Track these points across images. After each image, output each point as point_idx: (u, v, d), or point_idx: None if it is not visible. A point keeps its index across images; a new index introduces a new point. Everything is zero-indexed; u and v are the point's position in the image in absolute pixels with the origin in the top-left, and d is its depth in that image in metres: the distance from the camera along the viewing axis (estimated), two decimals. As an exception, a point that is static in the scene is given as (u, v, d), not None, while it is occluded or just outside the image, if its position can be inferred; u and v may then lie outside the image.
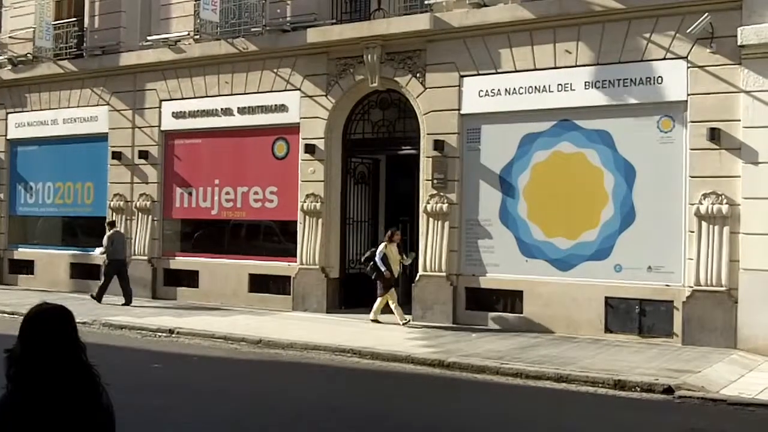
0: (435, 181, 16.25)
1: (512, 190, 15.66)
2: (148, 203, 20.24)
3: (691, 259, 13.78)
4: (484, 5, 15.82)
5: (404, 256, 16.21)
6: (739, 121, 13.53)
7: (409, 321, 15.82)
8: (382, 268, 15.65)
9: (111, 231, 19.25)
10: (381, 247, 15.90)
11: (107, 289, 18.97)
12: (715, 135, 13.60)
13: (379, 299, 16.03)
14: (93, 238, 21.52)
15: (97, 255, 19.68)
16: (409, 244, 17.52)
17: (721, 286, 13.49)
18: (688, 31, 13.64)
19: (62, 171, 22.34)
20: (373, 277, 15.88)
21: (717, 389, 10.65)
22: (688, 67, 13.96)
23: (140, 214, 20.38)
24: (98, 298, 18.90)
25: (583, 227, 14.78)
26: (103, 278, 19.25)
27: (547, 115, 15.29)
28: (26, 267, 22.77)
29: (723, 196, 13.55)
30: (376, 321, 16.02)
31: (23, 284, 22.57)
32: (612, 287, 14.48)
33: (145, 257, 20.24)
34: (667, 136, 14.21)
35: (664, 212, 14.16)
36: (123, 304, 18.59)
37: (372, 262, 15.81)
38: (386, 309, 16.08)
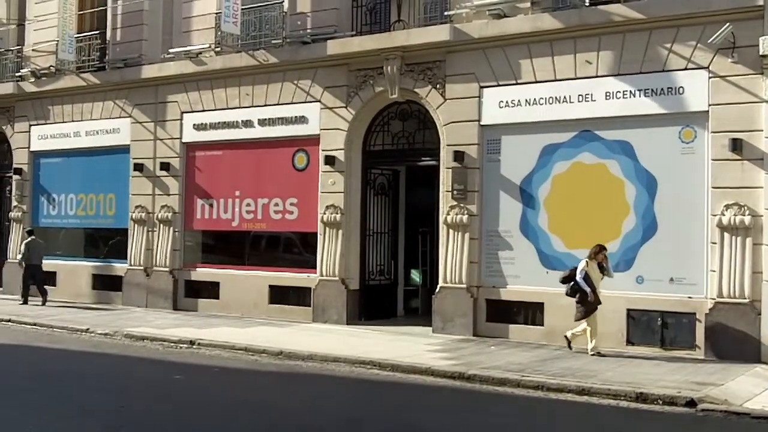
0: (455, 192, 16.23)
1: (533, 202, 15.60)
2: (170, 215, 20.33)
3: (714, 271, 13.67)
4: (504, 16, 15.81)
5: (606, 273, 14.05)
6: (762, 131, 13.42)
7: (603, 354, 13.75)
8: (587, 290, 13.77)
9: (29, 239, 21.30)
10: (582, 264, 13.95)
11: (29, 290, 21.30)
12: (737, 145, 13.51)
13: (579, 325, 14.11)
14: (115, 249, 21.70)
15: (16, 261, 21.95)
16: (430, 256, 17.50)
17: (744, 298, 13.37)
18: (710, 41, 13.57)
19: (84, 183, 22.50)
20: (576, 300, 13.93)
21: (740, 402, 10.53)
22: (709, 77, 13.88)
23: (162, 225, 20.47)
24: (24, 300, 21.13)
25: (605, 239, 14.66)
26: (21, 282, 21.54)
27: (568, 126, 15.24)
28: (49, 279, 22.85)
29: (745, 207, 13.45)
30: (569, 342, 14.27)
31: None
32: (634, 299, 14.38)
33: (167, 269, 20.32)
34: (689, 146, 14.12)
35: (686, 223, 14.06)
36: (41, 304, 20.75)
37: (572, 283, 13.96)
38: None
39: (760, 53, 13.36)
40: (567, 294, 14.01)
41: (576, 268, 13.97)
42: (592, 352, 13.72)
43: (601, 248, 13.94)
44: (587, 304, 13.81)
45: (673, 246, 14.13)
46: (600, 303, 13.84)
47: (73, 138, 22.60)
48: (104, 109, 21.83)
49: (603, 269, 13.96)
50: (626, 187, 14.68)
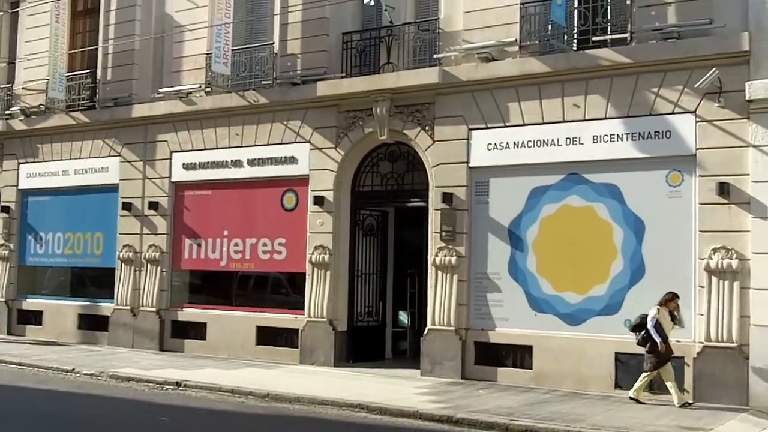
0: (443, 234, 16.23)
1: (521, 244, 15.61)
2: (157, 254, 20.24)
3: (702, 315, 13.67)
4: (492, 59, 15.93)
5: (677, 322, 13.41)
6: (748, 175, 13.51)
7: (690, 404, 13.14)
8: (657, 339, 13.09)
9: None
10: (653, 312, 13.25)
11: None
12: (724, 189, 13.57)
13: (644, 375, 13.40)
14: (102, 288, 21.57)
15: None
16: (418, 297, 17.46)
17: (732, 342, 13.35)
18: (696, 85, 13.69)
19: (72, 221, 22.41)
20: (646, 350, 13.27)
21: (729, 448, 10.49)
22: (696, 122, 13.98)
23: (149, 265, 20.37)
24: None
25: (593, 282, 14.71)
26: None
27: (556, 169, 15.30)
28: (34, 317, 22.74)
29: (733, 251, 13.48)
30: (636, 400, 13.41)
31: (31, 335, 22.52)
32: (622, 343, 14.31)
33: (153, 309, 20.19)
34: (676, 190, 14.19)
35: (674, 267, 14.07)
36: None
37: (643, 332, 13.27)
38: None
39: (747, 98, 13.48)
40: (638, 343, 13.33)
41: (646, 316, 13.31)
42: (680, 404, 12.97)
43: (674, 296, 13.37)
44: (658, 354, 13.14)
45: (661, 289, 14.05)
46: (672, 353, 13.24)
47: (62, 176, 22.55)
48: (93, 148, 21.82)
49: (674, 318, 13.37)
50: (614, 231, 14.70)
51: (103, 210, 21.56)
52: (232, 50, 18.85)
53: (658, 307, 13.31)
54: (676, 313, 13.41)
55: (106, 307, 21.24)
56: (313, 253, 17.79)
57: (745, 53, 13.59)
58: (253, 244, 19.04)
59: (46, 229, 23.10)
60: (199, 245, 19.92)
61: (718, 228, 13.64)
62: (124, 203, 20.91)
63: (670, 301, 13.36)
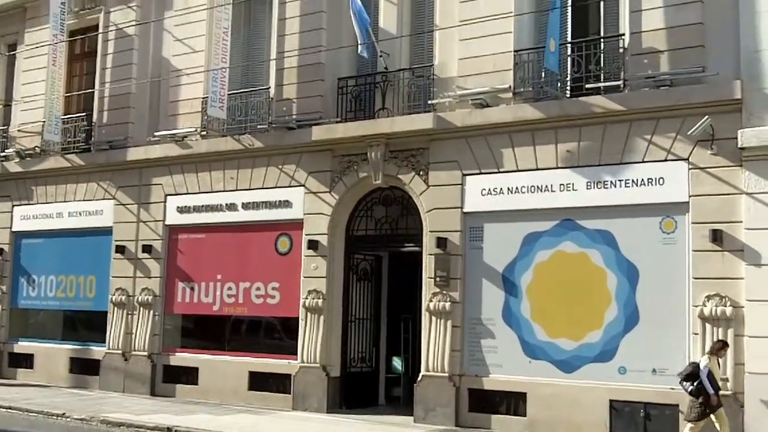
0: (437, 279, 16.18)
1: (515, 290, 15.56)
2: (150, 298, 20.14)
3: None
4: (486, 105, 16.01)
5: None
6: (741, 222, 13.52)
7: None
8: (710, 390, 12.42)
9: None
10: (704, 362, 12.62)
11: None
12: (717, 236, 13.58)
13: (690, 426, 12.70)
14: (94, 332, 21.41)
15: None
16: (412, 343, 17.36)
17: (727, 390, 13.24)
18: (689, 133, 13.75)
19: (65, 264, 22.32)
20: (699, 400, 12.54)
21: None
22: (689, 169, 14.03)
23: (142, 308, 20.26)
24: None
25: (587, 328, 14.65)
26: None
27: (550, 215, 15.31)
28: (26, 361, 22.54)
29: (727, 298, 13.45)
30: None
31: (22, 378, 22.33)
32: (616, 390, 14.23)
33: (145, 353, 20.03)
34: (670, 237, 14.19)
35: (668, 314, 14.03)
36: None
37: (696, 382, 12.52)
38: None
39: (739, 146, 13.54)
40: (691, 393, 12.61)
41: (696, 365, 12.70)
42: None
43: (724, 344, 12.90)
44: (710, 405, 12.48)
45: (655, 336, 14.07)
46: (722, 405, 12.62)
47: (56, 219, 22.51)
48: (88, 191, 21.82)
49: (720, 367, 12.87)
50: (608, 277, 14.68)
51: (97, 253, 21.49)
52: (228, 94, 18.94)
53: (709, 356, 12.75)
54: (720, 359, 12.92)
55: (97, 351, 21.08)
56: (306, 298, 17.72)
57: (737, 101, 13.67)
58: (247, 289, 18.96)
59: (39, 272, 23.00)
60: (192, 289, 19.84)
61: (711, 275, 13.63)
62: (117, 246, 20.85)
63: (720, 349, 12.86)
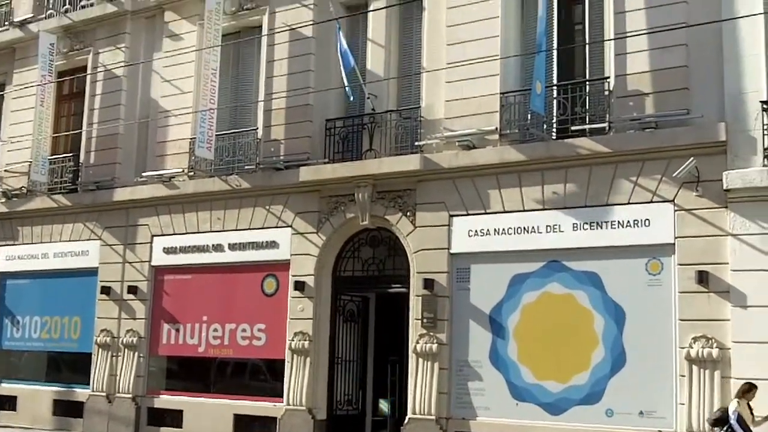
0: (425, 321, 16.11)
1: (502, 331, 15.50)
2: (135, 339, 19.97)
3: (683, 404, 13.53)
4: (473, 147, 16.06)
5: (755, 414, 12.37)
6: (727, 264, 13.53)
7: None
8: None
9: None
10: (733, 406, 12.23)
11: None
12: (703, 278, 13.58)
13: None
14: (78, 374, 21.20)
15: None
16: (399, 385, 17.23)
17: (715, 432, 13.17)
18: (674, 174, 13.82)
19: (50, 305, 22.14)
20: None
21: None
22: (675, 210, 14.07)
23: (126, 350, 20.07)
24: None
25: (574, 370, 14.58)
26: None
27: (537, 256, 15.30)
28: (9, 403, 22.24)
29: (713, 340, 13.42)
30: None
31: (4, 421, 22.00)
32: (603, 432, 14.17)
33: (130, 395, 19.81)
34: (656, 278, 14.19)
35: (655, 355, 13.98)
36: None
37: (726, 427, 12.18)
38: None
39: (724, 187, 13.60)
40: None
41: (726, 409, 12.33)
42: None
43: (752, 386, 12.40)
44: None
45: (642, 378, 14.01)
46: None
47: (41, 259, 22.37)
48: (74, 231, 21.72)
49: (753, 409, 12.45)
50: (595, 318, 14.64)
51: (82, 294, 21.34)
52: (216, 135, 18.97)
53: (738, 399, 12.34)
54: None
55: (81, 393, 20.84)
56: (292, 340, 17.60)
57: (722, 143, 13.76)
58: (232, 330, 18.83)
59: (23, 313, 22.80)
60: (177, 330, 19.69)
61: (698, 317, 13.61)
62: (102, 287, 20.72)
63: (747, 392, 12.39)
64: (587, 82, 15.40)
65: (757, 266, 13.30)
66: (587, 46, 15.64)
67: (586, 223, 14.82)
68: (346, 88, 17.25)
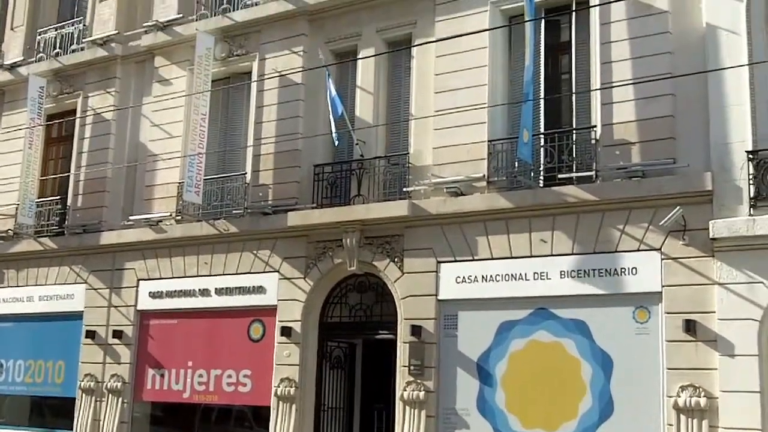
0: (412, 368, 16.02)
1: (490, 379, 15.42)
2: (119, 384, 19.76)
3: (672, 454, 13.48)
4: (461, 194, 16.11)
5: None
6: (714, 312, 13.55)
7: None
8: None
9: None
10: None
11: None
12: (690, 327, 13.59)
13: None
14: (61, 419, 20.94)
15: None
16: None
17: (701, 482, 13.10)
18: (661, 223, 13.88)
19: (34, 348, 21.92)
20: None
21: None
22: (661, 259, 14.11)
23: (110, 395, 19.85)
24: None
25: (562, 419, 14.50)
26: None
27: (524, 303, 15.29)
28: (-11, 448, 22.00)
29: (701, 389, 13.40)
30: None
31: (-15, 466, 21.76)
32: (591, 482, 14.06)
33: (113, 441, 19.63)
34: (643, 327, 14.19)
35: (643, 404, 13.93)
36: None
37: None
38: None
39: (711, 236, 13.66)
40: None
41: None
42: None
43: None
44: None
45: (629, 427, 13.95)
46: None
47: (26, 303, 22.18)
48: (60, 275, 21.59)
49: None
50: (582, 367, 14.60)
51: (67, 338, 21.15)
52: (205, 180, 18.97)
53: None
54: None
55: (64, 438, 20.63)
56: (278, 386, 17.46)
57: (708, 192, 13.86)
58: (218, 376, 18.67)
59: (7, 356, 22.56)
60: (162, 376, 19.51)
61: (685, 365, 13.59)
62: (87, 331, 20.54)
63: None
64: (574, 131, 15.50)
65: (744, 315, 13.33)
66: (574, 95, 15.78)
67: (574, 271, 14.84)
68: (334, 134, 17.33)
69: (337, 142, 17.46)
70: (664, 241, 14.12)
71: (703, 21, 14.45)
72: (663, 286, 14.02)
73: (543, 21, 16.06)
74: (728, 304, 13.48)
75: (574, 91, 15.79)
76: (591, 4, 15.46)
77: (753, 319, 13.28)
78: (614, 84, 14.86)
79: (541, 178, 15.62)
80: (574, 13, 15.84)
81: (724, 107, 14.01)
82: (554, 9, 16.23)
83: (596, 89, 15.12)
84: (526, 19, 15.04)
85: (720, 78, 14.00)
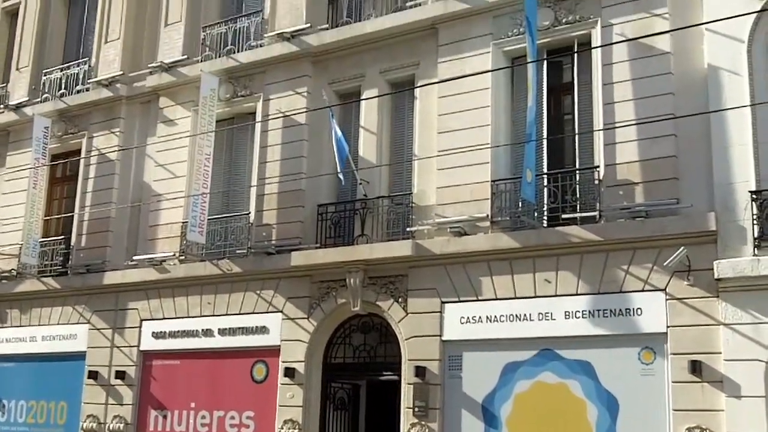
0: (416, 409, 15.90)
1: (495, 421, 15.31)
2: (122, 425, 19.64)
3: (679, 497, 13.34)
4: (464, 234, 16.11)
5: None
6: (720, 353, 13.48)
7: None
8: None
9: None
10: None
11: None
12: (696, 368, 13.52)
13: None
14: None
15: None
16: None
17: None
18: (665, 263, 13.87)
19: (37, 389, 21.80)
20: None
21: None
22: (666, 299, 14.07)
23: (112, 437, 19.78)
24: None
25: (568, 461, 14.39)
26: None
27: (529, 344, 15.21)
28: (-10, 490, 21.83)
29: (707, 430, 13.29)
30: None
31: None
32: None
33: (114, 484, 19.47)
34: (649, 368, 14.11)
35: (650, 447, 13.84)
36: None
37: None
38: None
39: (715, 277, 13.63)
40: None
41: None
42: None
43: None
44: None
45: (637, 470, 13.85)
46: None
47: (29, 343, 22.11)
48: (63, 315, 21.54)
49: None
50: (588, 408, 14.49)
51: (69, 378, 21.05)
52: (208, 219, 18.99)
53: None
54: None
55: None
56: (282, 428, 17.34)
57: (712, 233, 13.84)
58: (221, 417, 18.54)
59: (9, 396, 22.43)
60: (164, 417, 19.38)
61: (691, 407, 13.50)
62: (90, 372, 20.46)
63: None
64: (577, 171, 15.53)
65: (750, 356, 13.27)
66: (577, 135, 15.82)
67: (578, 312, 14.79)
68: (340, 174, 17.36)
69: (344, 182, 17.47)
70: (668, 282, 14.09)
71: (705, 62, 14.54)
72: (668, 327, 13.97)
73: (545, 62, 16.16)
74: (734, 345, 13.42)
75: (576, 131, 15.83)
76: (593, 45, 15.57)
77: (759, 360, 13.21)
78: (617, 124, 14.92)
79: (545, 218, 15.62)
80: (576, 54, 15.94)
81: (727, 147, 14.05)
82: (556, 50, 16.32)
83: (599, 129, 15.18)
84: (529, 60, 15.14)
85: (722, 118, 14.05)
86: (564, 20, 15.99)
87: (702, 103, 14.35)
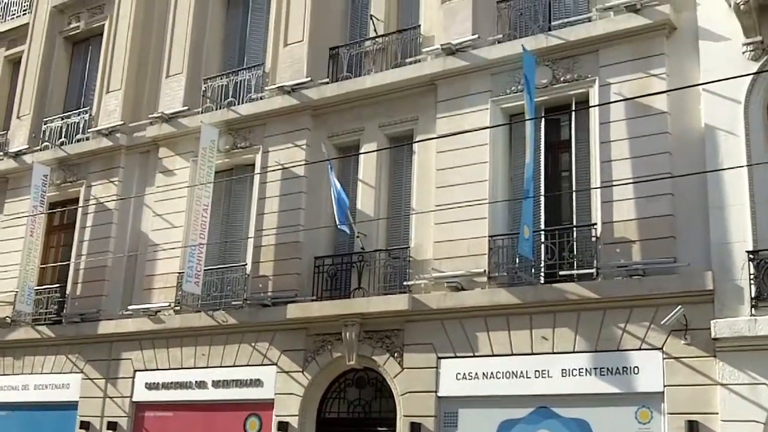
0: (411, 466, 15.78)
1: (490, 480, 15.17)
2: (112, 479, 19.44)
3: None
4: (461, 289, 16.08)
5: None
6: (717, 414, 13.39)
7: None
8: None
9: None
10: None
11: None
12: (693, 428, 13.41)
13: None
14: None
15: None
16: None
17: None
18: (662, 322, 13.82)
19: (27, 438, 21.64)
20: None
21: None
22: (663, 358, 14.01)
23: (103, 489, 19.53)
24: None
25: None
26: None
27: (525, 402, 15.10)
28: None
29: (705, 496, 13.18)
30: None
31: None
32: None
33: None
34: (646, 427, 14.00)
35: (647, 508, 13.67)
36: None
37: None
38: None
39: (712, 336, 13.59)
40: None
41: None
42: None
43: None
44: None
45: None
46: None
47: (21, 391, 21.92)
48: (56, 364, 21.38)
49: None
50: (584, 468, 14.38)
51: (61, 428, 20.81)
52: (204, 270, 18.94)
53: None
54: None
55: None
56: (275, 483, 17.17)
57: (709, 292, 13.83)
58: (213, 471, 18.37)
59: (-1, 446, 22.25)
60: (156, 470, 19.19)
61: (689, 468, 13.40)
62: (82, 422, 20.25)
63: None
64: (575, 228, 15.55)
65: (747, 417, 13.16)
66: (574, 192, 15.87)
67: (575, 369, 14.70)
68: (342, 226, 17.33)
69: (348, 231, 17.43)
70: (665, 341, 14.04)
71: (702, 122, 14.66)
72: (665, 386, 13.88)
73: (543, 119, 16.29)
74: (731, 406, 13.32)
75: (574, 188, 15.89)
76: (590, 103, 15.70)
77: (756, 421, 13.10)
78: (614, 183, 14.99)
79: (542, 274, 15.60)
80: (573, 112, 16.07)
81: (724, 207, 14.10)
82: (554, 108, 16.46)
83: (596, 187, 15.24)
84: (527, 117, 15.26)
85: (719, 178, 14.13)
86: (562, 78, 16.14)
87: (699, 162, 14.43)
